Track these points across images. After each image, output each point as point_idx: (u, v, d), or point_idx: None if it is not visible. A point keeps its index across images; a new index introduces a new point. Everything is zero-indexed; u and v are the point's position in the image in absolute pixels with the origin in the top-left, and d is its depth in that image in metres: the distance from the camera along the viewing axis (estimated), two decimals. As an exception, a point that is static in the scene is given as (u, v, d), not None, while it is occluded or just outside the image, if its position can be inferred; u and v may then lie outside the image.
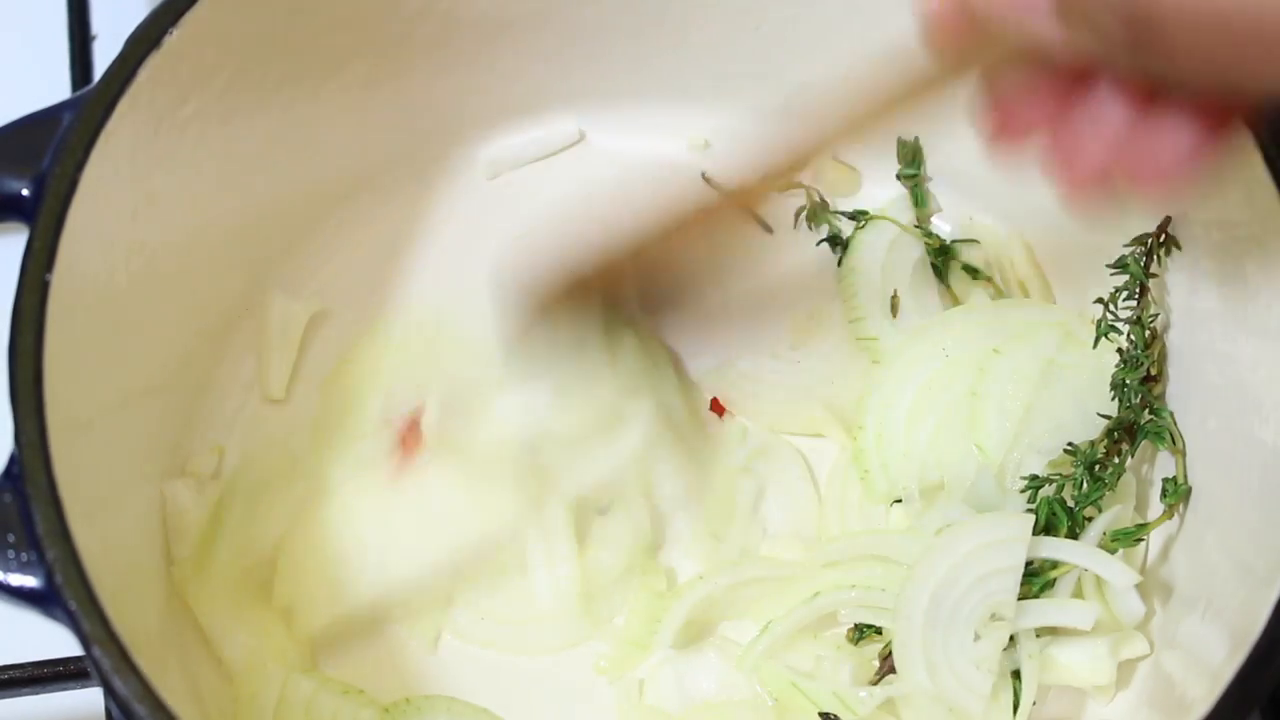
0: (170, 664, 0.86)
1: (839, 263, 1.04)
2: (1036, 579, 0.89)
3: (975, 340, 0.97)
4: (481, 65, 1.04)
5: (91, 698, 0.93)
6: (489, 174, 1.09)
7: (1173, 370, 0.94)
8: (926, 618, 0.87)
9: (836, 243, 1.05)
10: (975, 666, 0.87)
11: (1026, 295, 1.05)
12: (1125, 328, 0.94)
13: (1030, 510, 0.91)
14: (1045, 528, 0.90)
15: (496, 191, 1.09)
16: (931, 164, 1.07)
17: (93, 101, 0.80)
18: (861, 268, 1.03)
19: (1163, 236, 0.92)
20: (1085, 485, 0.91)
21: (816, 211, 1.05)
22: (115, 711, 0.73)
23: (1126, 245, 0.93)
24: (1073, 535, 0.90)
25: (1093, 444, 0.92)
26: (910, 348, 0.99)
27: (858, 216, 1.05)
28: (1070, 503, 0.91)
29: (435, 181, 1.08)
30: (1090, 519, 0.91)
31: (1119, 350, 0.95)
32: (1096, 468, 0.91)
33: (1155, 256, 0.92)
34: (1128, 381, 0.92)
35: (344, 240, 1.05)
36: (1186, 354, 0.93)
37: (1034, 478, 0.92)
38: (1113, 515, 0.91)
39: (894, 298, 1.03)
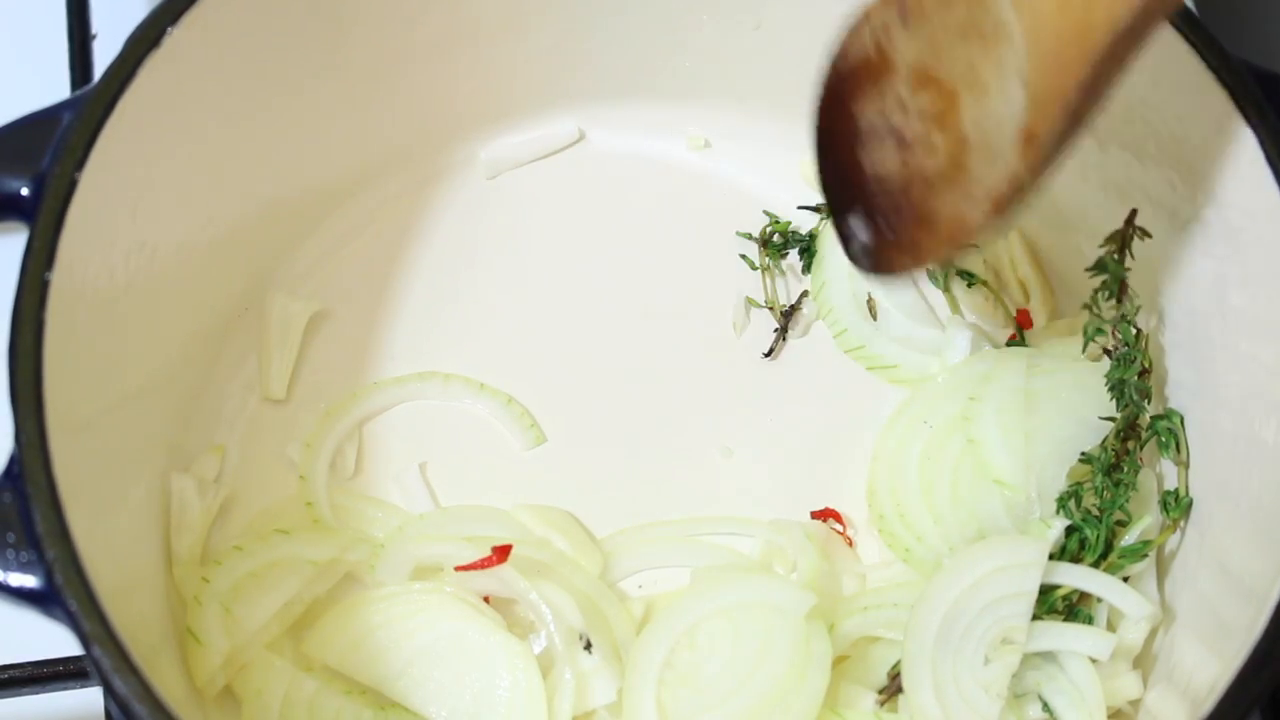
0: (170, 664, 0.86)
1: (804, 269, 1.06)
2: (1044, 599, 0.89)
3: (949, 402, 0.97)
4: (481, 65, 1.04)
5: (91, 698, 0.93)
6: (489, 174, 1.09)
7: (1191, 368, 0.94)
8: (937, 639, 0.86)
9: (804, 252, 1.06)
10: (984, 690, 0.86)
11: (1026, 296, 1.05)
12: (1109, 328, 0.93)
13: (1070, 526, 0.91)
14: (1078, 550, 0.90)
15: (496, 191, 1.09)
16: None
17: (93, 101, 0.80)
18: (831, 278, 1.04)
19: (1131, 230, 0.91)
20: (1107, 492, 0.91)
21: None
22: (115, 711, 0.73)
23: (1100, 245, 0.92)
24: (1106, 552, 0.90)
25: (1104, 447, 0.92)
26: (891, 433, 0.98)
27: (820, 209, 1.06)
28: (1096, 513, 0.90)
29: (435, 181, 1.08)
30: (1121, 524, 0.90)
31: (1106, 350, 0.94)
32: (1113, 470, 0.91)
33: (1128, 250, 0.92)
34: (1125, 379, 0.92)
35: (344, 240, 1.05)
36: (1205, 352, 0.92)
37: (1063, 496, 0.91)
38: (1142, 528, 0.90)
39: (869, 301, 1.03)
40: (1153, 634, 0.91)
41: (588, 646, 0.89)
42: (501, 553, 0.90)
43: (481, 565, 0.90)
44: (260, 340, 1.01)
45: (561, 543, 0.95)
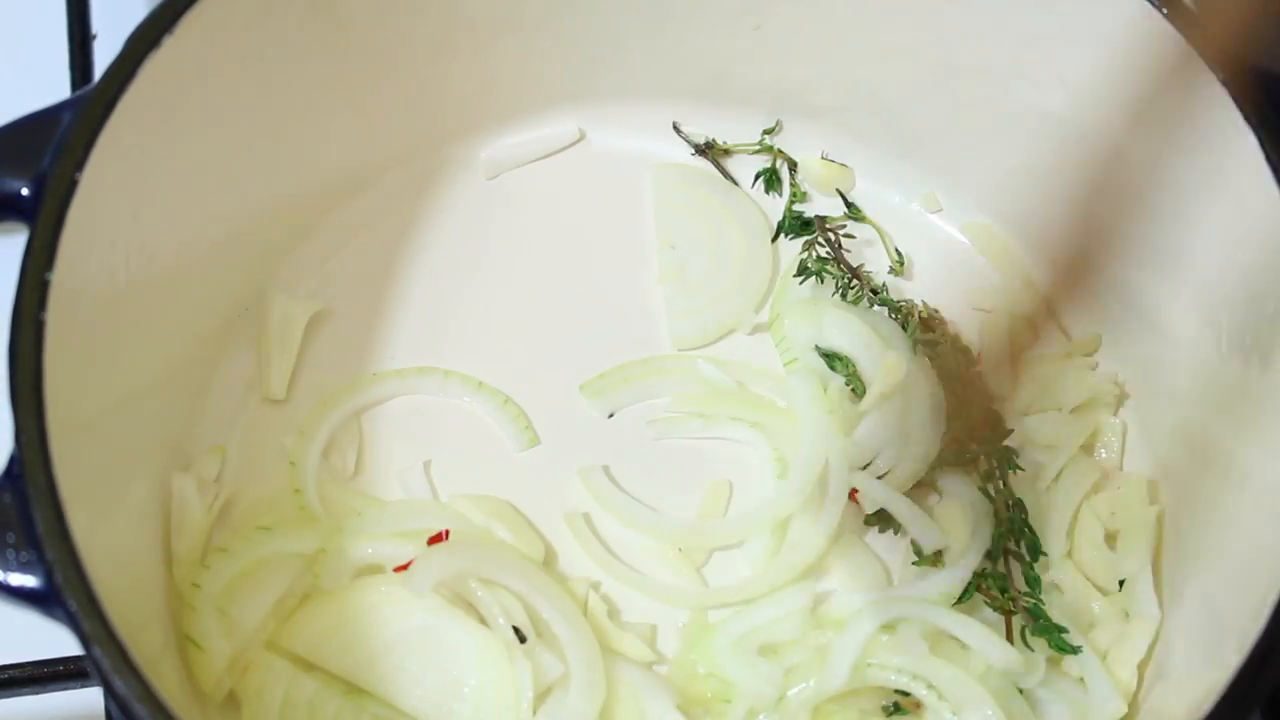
0: (170, 664, 0.86)
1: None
2: None
3: None
4: (481, 65, 1.04)
5: (91, 698, 0.93)
6: (489, 174, 1.09)
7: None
8: None
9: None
10: None
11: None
12: None
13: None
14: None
15: (496, 191, 1.09)
16: (938, 168, 1.07)
17: (93, 101, 0.80)
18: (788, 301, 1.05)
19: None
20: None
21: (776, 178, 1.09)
22: (115, 711, 0.73)
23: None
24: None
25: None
26: None
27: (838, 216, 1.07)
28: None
29: (435, 181, 1.08)
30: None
31: None
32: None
33: None
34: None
35: (344, 240, 1.05)
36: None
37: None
38: None
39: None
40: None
41: (521, 638, 0.89)
42: (435, 543, 0.91)
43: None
44: (260, 340, 1.01)
45: (503, 531, 0.95)
